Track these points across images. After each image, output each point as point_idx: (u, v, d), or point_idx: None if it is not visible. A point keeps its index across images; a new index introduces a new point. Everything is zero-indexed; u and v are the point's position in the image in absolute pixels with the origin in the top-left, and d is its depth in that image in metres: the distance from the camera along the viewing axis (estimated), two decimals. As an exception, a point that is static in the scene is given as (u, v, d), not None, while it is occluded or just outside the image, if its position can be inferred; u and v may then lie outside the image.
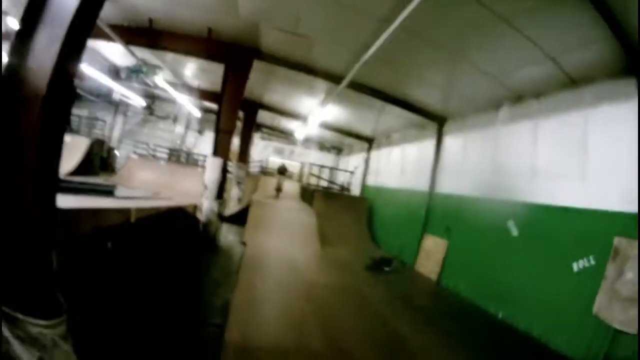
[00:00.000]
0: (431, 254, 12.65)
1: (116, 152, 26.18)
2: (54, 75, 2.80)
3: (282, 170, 20.99)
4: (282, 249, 12.20)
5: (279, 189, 20.21)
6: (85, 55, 10.70)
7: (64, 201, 4.14)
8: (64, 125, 3.27)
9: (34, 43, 2.84)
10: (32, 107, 2.76)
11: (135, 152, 24.20)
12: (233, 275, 8.72)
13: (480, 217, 10.62)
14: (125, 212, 5.51)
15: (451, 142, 13.26)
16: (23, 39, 2.83)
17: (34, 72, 2.79)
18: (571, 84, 8.34)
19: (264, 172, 26.30)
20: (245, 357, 5.04)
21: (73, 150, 20.07)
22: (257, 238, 12.84)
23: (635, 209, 6.40)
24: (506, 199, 9.81)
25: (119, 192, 8.14)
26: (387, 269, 12.34)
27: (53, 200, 3.06)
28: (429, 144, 14.34)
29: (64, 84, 2.96)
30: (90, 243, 4.41)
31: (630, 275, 6.25)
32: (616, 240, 6.62)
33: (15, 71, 2.79)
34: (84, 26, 3.08)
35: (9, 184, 2.75)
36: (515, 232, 9.30)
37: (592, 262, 7.09)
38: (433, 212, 13.40)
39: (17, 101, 2.76)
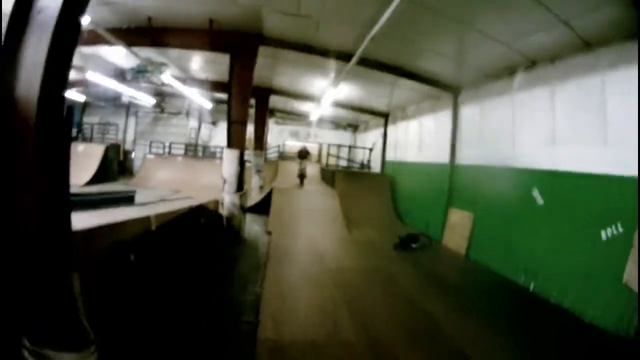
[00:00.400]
0: (457, 227, 12.48)
1: (132, 154, 26.44)
2: (43, 89, 2.72)
3: (304, 154, 19.23)
4: (307, 235, 12.16)
5: (302, 176, 18.67)
6: (89, 62, 10.71)
7: (81, 219, 4.12)
8: (65, 141, 3.17)
9: (20, 59, 2.76)
10: (26, 127, 2.69)
11: (151, 152, 24.32)
12: (261, 267, 8.71)
13: (504, 187, 10.40)
14: (145, 220, 5.47)
15: (468, 111, 12.94)
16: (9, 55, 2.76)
17: (24, 88, 2.72)
18: (586, 47, 7.97)
19: (282, 157, 26.26)
20: (279, 354, 5.03)
21: (89, 159, 20.46)
22: (281, 226, 12.82)
23: None
24: (528, 168, 9.58)
25: (138, 197, 8.12)
26: (414, 246, 12.22)
27: (66, 222, 3.00)
28: (446, 115, 14.04)
29: (55, 98, 2.87)
30: (112, 258, 4.38)
31: None
32: None
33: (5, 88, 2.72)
34: (68, 37, 2.94)
35: (14, 211, 2.69)
36: (540, 201, 9.07)
37: (621, 229, 6.86)
38: (456, 185, 13.18)
39: (9, 121, 2.69)
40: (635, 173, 6.51)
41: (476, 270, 10.39)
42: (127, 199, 8.03)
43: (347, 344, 5.50)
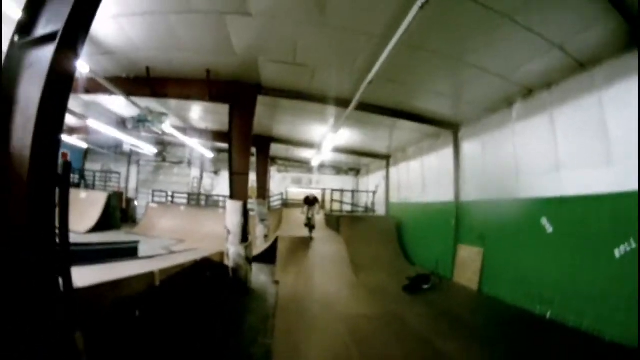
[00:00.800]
0: (467, 263, 12.27)
1: (135, 202, 26.58)
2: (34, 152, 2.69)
3: (311, 201, 16.73)
4: (315, 282, 11.91)
5: (310, 226, 16.29)
6: (90, 110, 10.86)
7: (85, 275, 4.03)
8: (64, 191, 3.10)
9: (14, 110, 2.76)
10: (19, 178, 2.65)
11: (153, 201, 24.39)
12: (269, 318, 8.48)
13: (512, 219, 10.32)
14: (149, 276, 5.36)
15: (469, 147, 12.98)
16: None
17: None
18: (580, 68, 8.10)
19: (286, 204, 26.20)
20: None
21: (91, 206, 20.50)
22: (288, 275, 12.60)
23: None
24: (534, 197, 9.54)
25: (142, 247, 8.02)
26: (425, 286, 11.97)
27: (67, 280, 2.91)
28: (447, 153, 14.09)
29: (49, 147, 2.85)
30: (116, 315, 4.24)
31: None
32: None
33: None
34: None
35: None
36: (550, 228, 8.99)
37: (634, 244, 6.79)
38: (463, 221, 13.07)
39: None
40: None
41: (490, 304, 10.15)
42: (130, 251, 7.92)
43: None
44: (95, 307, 3.75)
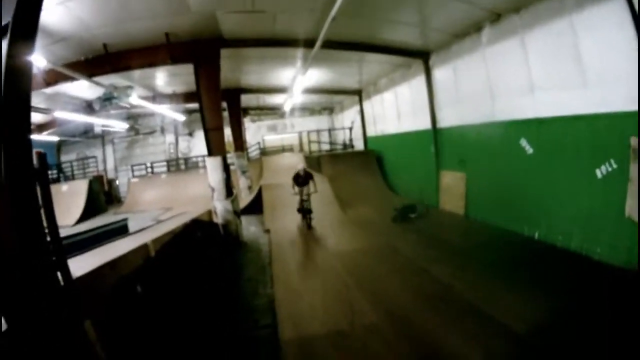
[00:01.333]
0: (451, 189, 12.51)
1: (116, 182, 26.35)
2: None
3: (303, 179, 12.39)
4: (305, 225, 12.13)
5: (305, 210, 12.26)
6: (55, 101, 10.49)
7: (81, 263, 4.02)
8: (45, 191, 3.05)
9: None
10: None
11: (134, 176, 24.14)
12: (266, 267, 8.65)
13: (491, 142, 10.42)
14: (143, 249, 5.37)
15: (441, 74, 12.85)
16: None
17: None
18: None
19: (264, 152, 26.11)
20: (305, 352, 4.94)
21: (74, 197, 20.46)
22: (278, 222, 12.78)
23: None
24: (511, 119, 9.57)
25: (132, 224, 8.01)
26: (412, 215, 12.24)
27: (65, 272, 2.90)
28: (420, 82, 13.96)
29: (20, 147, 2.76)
30: (120, 295, 4.28)
31: None
32: (633, 141, 6.37)
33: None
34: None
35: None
36: (530, 149, 9.07)
37: (614, 165, 6.88)
38: (442, 148, 13.18)
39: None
40: (620, 108, 6.57)
41: (478, 228, 10.41)
42: (120, 229, 7.90)
43: (372, 328, 5.44)
44: (98, 291, 3.77)
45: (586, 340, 4.59)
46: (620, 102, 6.55)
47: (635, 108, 6.16)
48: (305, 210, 12.22)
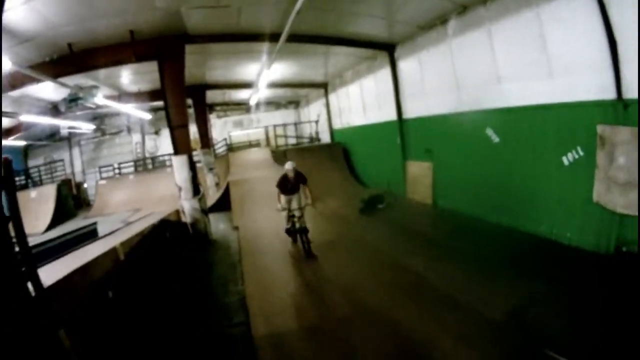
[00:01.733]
0: (419, 179, 12.67)
1: (85, 184, 25.81)
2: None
3: (293, 183, 8.91)
4: (272, 220, 11.88)
5: (298, 231, 8.96)
6: (21, 105, 10.15)
7: (52, 271, 3.92)
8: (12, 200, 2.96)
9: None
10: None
11: (102, 178, 23.66)
12: (236, 264, 8.64)
13: (457, 132, 10.58)
14: (112, 253, 5.28)
15: (406, 66, 12.94)
16: None
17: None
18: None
19: (231, 148, 25.90)
20: (280, 347, 4.97)
21: (43, 204, 20.14)
22: (246, 218, 12.69)
23: (607, 96, 6.36)
24: (477, 109, 9.72)
25: (101, 227, 7.87)
26: (380, 206, 12.36)
27: (36, 282, 2.83)
28: (385, 74, 14.03)
29: None
30: (92, 300, 4.20)
31: (622, 160, 6.26)
32: (599, 129, 6.57)
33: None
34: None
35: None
36: (496, 138, 9.26)
37: (581, 153, 7.09)
38: (408, 138, 13.34)
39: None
40: (586, 97, 6.78)
41: (446, 217, 10.59)
42: (90, 234, 7.74)
43: (344, 320, 5.50)
44: (71, 299, 3.69)
45: (557, 322, 4.74)
46: (586, 91, 6.75)
47: (603, 97, 6.43)
48: (299, 231, 8.86)
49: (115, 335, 4.44)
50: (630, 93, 6.04)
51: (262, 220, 12.13)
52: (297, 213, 8.88)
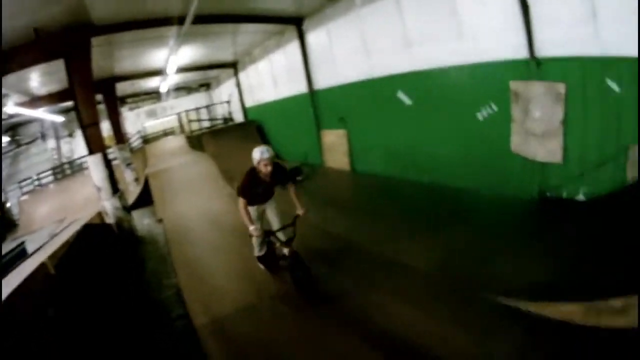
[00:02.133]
0: (335, 147, 13.10)
1: (7, 204, 23.96)
2: None
3: (268, 184, 6.05)
4: (196, 206, 11.94)
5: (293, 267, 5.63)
6: None
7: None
8: None
9: None
10: None
11: (23, 193, 22.31)
12: (166, 257, 8.57)
13: (370, 98, 10.94)
14: (42, 268, 5.26)
15: (315, 38, 13.12)
16: None
17: None
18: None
19: (146, 140, 25.25)
20: (223, 332, 5.05)
21: None
22: (169, 209, 12.43)
23: (520, 55, 6.80)
24: (388, 74, 10.04)
25: (30, 245, 7.65)
26: (299, 178, 12.63)
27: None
28: (294, 47, 14.19)
29: None
30: (35, 324, 4.23)
31: (537, 113, 6.75)
32: (513, 85, 7.03)
33: None
34: None
35: None
36: (408, 101, 9.65)
37: (495, 108, 7.57)
38: (321, 109, 13.70)
39: None
40: (497, 57, 7.24)
41: (366, 181, 11.05)
42: (19, 255, 7.51)
43: (278, 296, 5.67)
44: (11, 324, 3.71)
45: (497, 268, 5.18)
46: (499, 51, 7.17)
47: (515, 56, 6.88)
48: (292, 263, 5.53)
49: (63, 352, 4.48)
50: (543, 52, 6.51)
51: (186, 209, 11.99)
52: (281, 236, 5.87)
